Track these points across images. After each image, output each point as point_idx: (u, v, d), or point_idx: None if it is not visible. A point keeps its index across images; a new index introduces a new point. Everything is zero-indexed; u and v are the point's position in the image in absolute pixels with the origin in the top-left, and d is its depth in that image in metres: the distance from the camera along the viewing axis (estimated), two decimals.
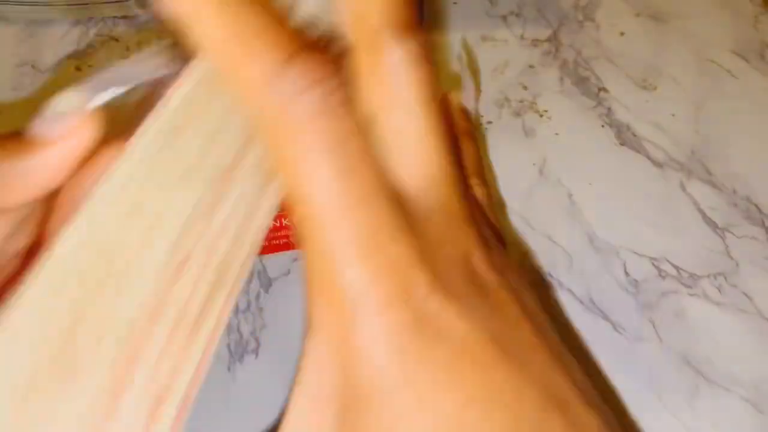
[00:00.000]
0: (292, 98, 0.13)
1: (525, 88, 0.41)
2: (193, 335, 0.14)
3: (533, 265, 0.36)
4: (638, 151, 0.39)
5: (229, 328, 0.33)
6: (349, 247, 0.13)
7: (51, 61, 0.40)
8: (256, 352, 0.33)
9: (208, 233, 0.14)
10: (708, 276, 0.36)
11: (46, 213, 0.18)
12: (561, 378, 0.15)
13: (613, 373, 0.33)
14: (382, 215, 0.14)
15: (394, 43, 0.14)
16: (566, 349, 0.16)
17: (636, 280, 0.36)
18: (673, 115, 0.40)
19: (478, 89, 0.41)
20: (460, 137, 0.27)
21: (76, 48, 0.41)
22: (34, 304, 0.13)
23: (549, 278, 0.36)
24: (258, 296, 0.34)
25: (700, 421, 0.32)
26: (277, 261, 0.35)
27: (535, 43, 0.43)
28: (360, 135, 0.14)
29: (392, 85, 0.14)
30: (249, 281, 0.35)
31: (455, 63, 0.41)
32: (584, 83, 0.41)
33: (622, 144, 0.40)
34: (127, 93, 0.16)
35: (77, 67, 0.40)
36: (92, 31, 0.41)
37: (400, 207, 0.14)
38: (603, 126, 0.40)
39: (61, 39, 0.41)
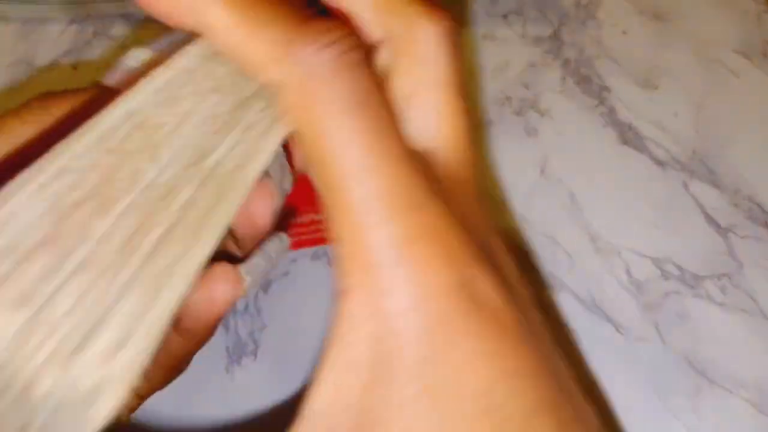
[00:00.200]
0: (310, 59, 0.13)
1: (526, 87, 0.41)
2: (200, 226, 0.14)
3: (534, 265, 0.36)
4: (640, 151, 0.39)
5: (227, 330, 0.33)
6: (380, 205, 0.13)
7: (47, 59, 0.40)
8: (254, 353, 0.33)
9: (220, 148, 0.15)
10: (711, 277, 0.35)
11: None
12: (563, 369, 0.15)
13: (615, 374, 0.33)
14: (414, 174, 0.13)
15: (427, 22, 0.14)
16: (558, 350, 0.16)
17: (638, 281, 0.35)
18: (676, 114, 0.40)
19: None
20: None
21: (73, 46, 0.40)
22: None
23: (550, 279, 0.35)
24: (256, 297, 0.34)
25: (702, 422, 0.32)
26: None
27: (537, 41, 0.43)
28: (381, 94, 0.14)
29: (426, 63, 0.14)
30: None
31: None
32: (586, 82, 0.41)
33: (624, 143, 0.39)
34: None
35: (74, 65, 0.40)
36: (89, 30, 0.41)
37: (429, 169, 0.14)
38: (605, 125, 0.40)
39: (58, 37, 0.41)
